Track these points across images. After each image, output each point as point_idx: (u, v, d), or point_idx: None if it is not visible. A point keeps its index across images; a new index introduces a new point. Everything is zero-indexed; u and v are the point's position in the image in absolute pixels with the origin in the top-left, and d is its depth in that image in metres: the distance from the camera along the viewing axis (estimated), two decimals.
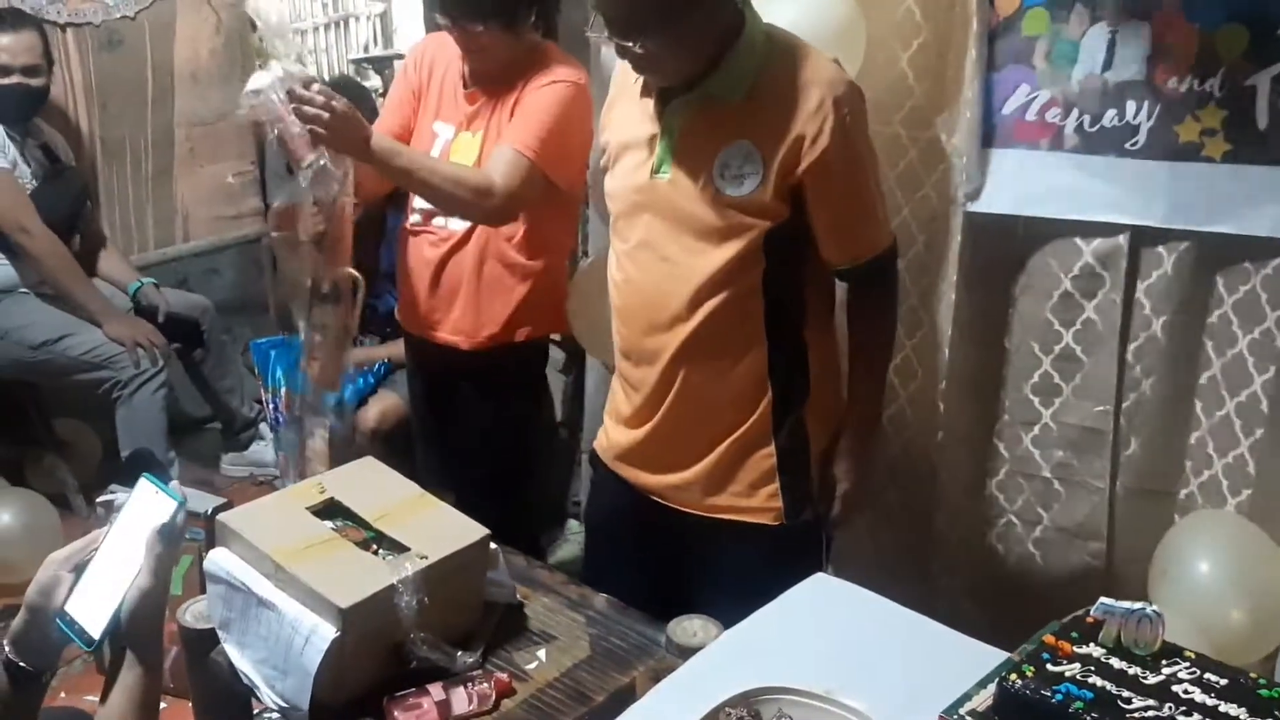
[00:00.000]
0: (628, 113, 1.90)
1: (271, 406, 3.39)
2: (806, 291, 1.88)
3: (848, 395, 1.96)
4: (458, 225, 2.33)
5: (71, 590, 1.31)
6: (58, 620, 1.30)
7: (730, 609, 1.59)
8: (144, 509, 1.33)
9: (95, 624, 1.31)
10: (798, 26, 1.94)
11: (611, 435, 2.06)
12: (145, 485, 1.35)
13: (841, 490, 1.95)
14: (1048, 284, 2.25)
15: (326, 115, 1.97)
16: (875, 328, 1.94)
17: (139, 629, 1.30)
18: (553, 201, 2.34)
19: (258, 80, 2.00)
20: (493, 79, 2.25)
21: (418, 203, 2.37)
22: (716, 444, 1.92)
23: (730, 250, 1.79)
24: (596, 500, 2.23)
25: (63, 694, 2.45)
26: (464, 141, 2.28)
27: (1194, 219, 2.07)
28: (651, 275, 1.86)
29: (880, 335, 1.96)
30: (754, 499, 1.93)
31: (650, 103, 1.84)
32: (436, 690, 1.59)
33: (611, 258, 1.98)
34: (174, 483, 1.36)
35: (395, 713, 1.56)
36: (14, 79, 3.15)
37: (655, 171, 1.83)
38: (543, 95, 2.21)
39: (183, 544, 1.35)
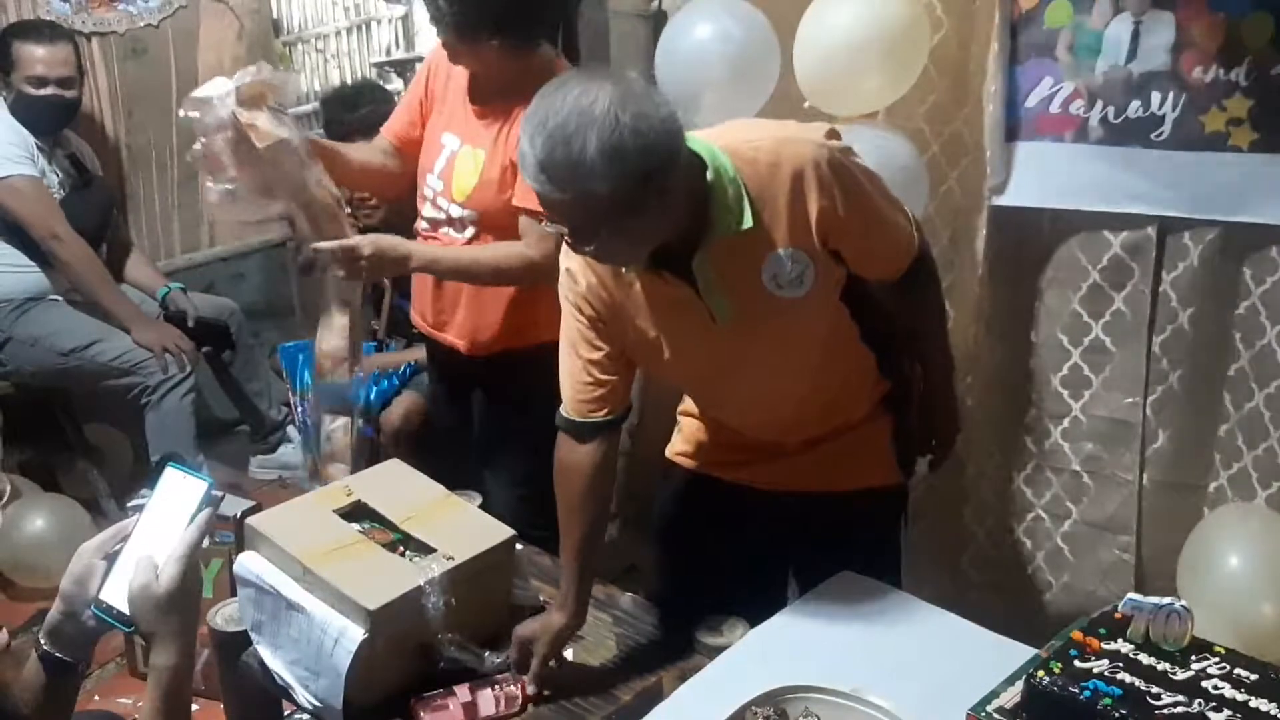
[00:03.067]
0: (636, 310, 1.75)
1: (299, 410, 3.41)
2: (879, 302, 1.88)
3: (922, 364, 1.95)
4: (460, 235, 2.33)
5: (105, 578, 1.33)
6: (94, 609, 1.32)
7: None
8: (173, 494, 1.35)
9: None
10: (864, 29, 2.01)
11: (707, 449, 1.96)
12: (172, 472, 1.37)
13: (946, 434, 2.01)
14: (1075, 276, 2.23)
15: (363, 261, 2.13)
16: (928, 306, 1.93)
17: (173, 612, 1.30)
18: None
19: (207, 89, 2.08)
20: (499, 94, 2.25)
21: (427, 210, 2.38)
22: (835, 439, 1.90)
23: (823, 332, 1.79)
24: (674, 512, 2.07)
25: (96, 697, 2.48)
26: (466, 156, 2.28)
27: (1221, 209, 2.06)
28: (757, 394, 1.83)
29: (934, 309, 1.95)
30: (877, 468, 1.92)
31: (661, 282, 1.70)
32: (463, 691, 1.59)
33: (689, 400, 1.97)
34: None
35: (421, 714, 1.57)
36: (49, 90, 3.17)
37: (716, 322, 1.71)
38: None
39: (213, 521, 1.35)
